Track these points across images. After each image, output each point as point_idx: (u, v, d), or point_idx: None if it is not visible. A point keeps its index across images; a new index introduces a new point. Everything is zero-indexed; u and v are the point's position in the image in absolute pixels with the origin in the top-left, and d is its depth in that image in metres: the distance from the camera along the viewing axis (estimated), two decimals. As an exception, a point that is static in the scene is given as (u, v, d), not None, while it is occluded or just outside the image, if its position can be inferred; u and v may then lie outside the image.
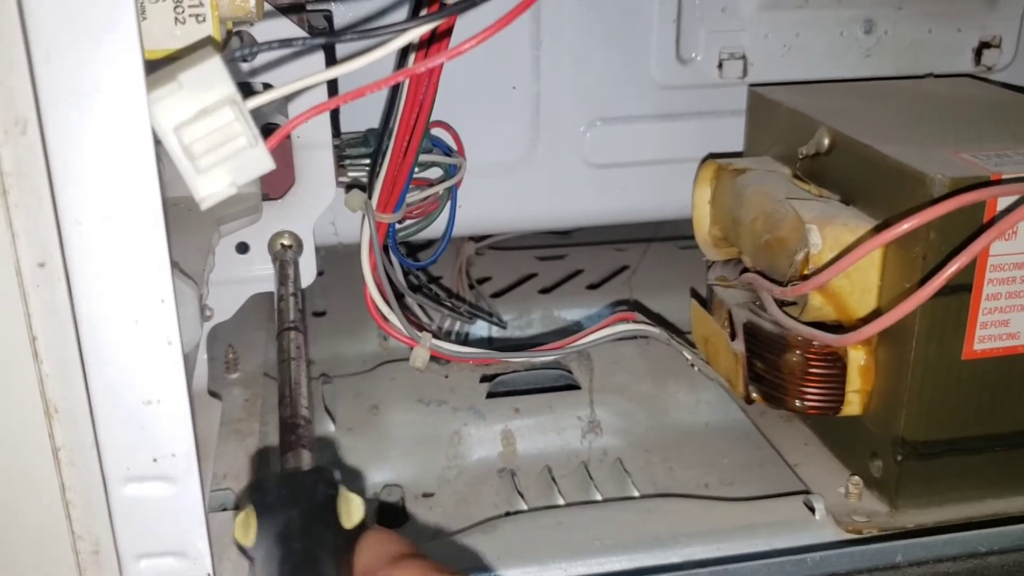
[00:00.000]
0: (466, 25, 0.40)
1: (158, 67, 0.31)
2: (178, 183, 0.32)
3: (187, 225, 0.32)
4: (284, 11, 0.46)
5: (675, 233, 0.74)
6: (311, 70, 0.39)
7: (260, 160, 0.30)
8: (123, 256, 0.29)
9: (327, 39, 0.37)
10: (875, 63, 0.61)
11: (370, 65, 0.32)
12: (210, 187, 0.30)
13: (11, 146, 0.28)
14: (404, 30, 0.32)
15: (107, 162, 0.28)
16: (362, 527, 0.28)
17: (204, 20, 0.34)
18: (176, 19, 0.34)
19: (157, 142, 0.29)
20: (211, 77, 0.30)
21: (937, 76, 0.60)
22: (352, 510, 0.27)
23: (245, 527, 0.27)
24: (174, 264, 0.31)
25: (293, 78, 0.33)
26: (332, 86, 0.46)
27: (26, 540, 0.32)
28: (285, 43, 0.33)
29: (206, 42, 0.32)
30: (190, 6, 0.33)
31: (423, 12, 0.42)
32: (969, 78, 0.59)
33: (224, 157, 0.30)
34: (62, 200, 0.29)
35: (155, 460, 0.32)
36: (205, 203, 0.30)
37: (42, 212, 0.29)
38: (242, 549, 0.27)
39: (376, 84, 0.32)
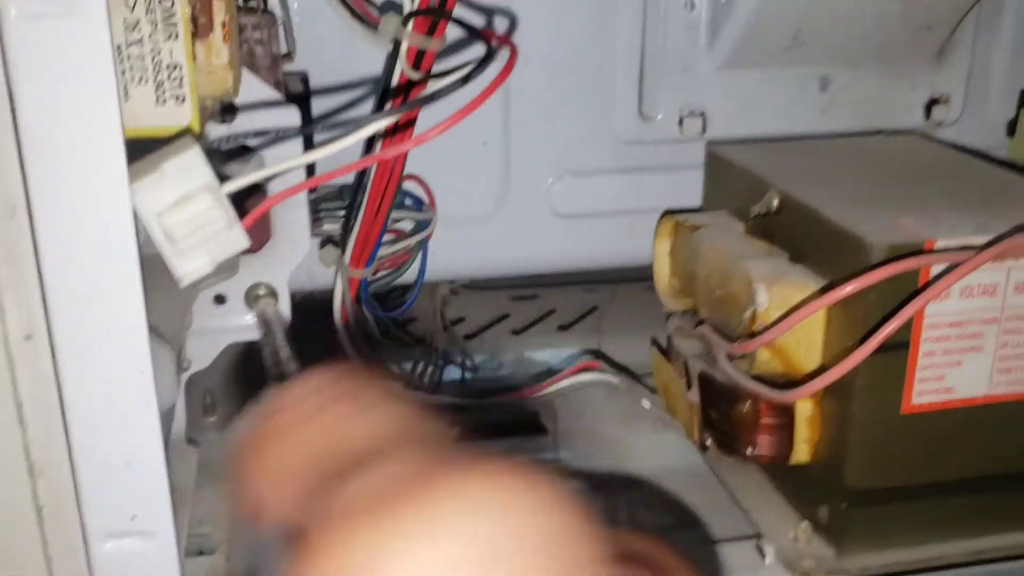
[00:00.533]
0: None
1: (138, 146, 0.34)
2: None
3: (166, 282, 0.34)
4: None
5: (642, 275, 0.76)
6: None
7: (236, 240, 0.33)
8: (105, 331, 0.31)
9: (301, 130, 0.39)
10: (831, 119, 0.64)
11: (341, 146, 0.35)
12: (189, 266, 0.32)
13: (1, 228, 0.30)
14: (372, 121, 0.34)
15: (90, 244, 0.31)
16: None
17: (184, 101, 0.36)
18: (157, 99, 0.36)
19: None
20: (191, 166, 0.32)
21: (888, 133, 0.63)
22: None
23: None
24: (153, 328, 0.33)
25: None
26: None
27: (10, 593, 0.34)
28: (260, 134, 0.35)
29: (185, 134, 0.34)
30: (171, 88, 0.36)
31: (388, 103, 0.44)
32: (917, 136, 0.62)
33: (203, 239, 0.32)
34: (48, 278, 0.31)
35: (133, 517, 0.34)
36: (183, 281, 0.32)
37: (29, 288, 0.31)
38: None
39: (347, 168, 0.34)
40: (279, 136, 0.39)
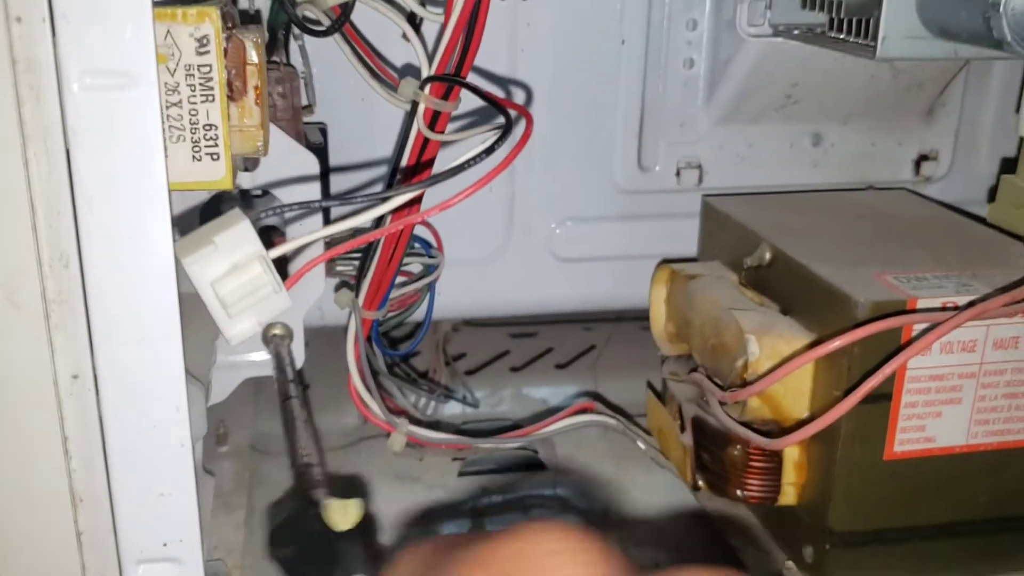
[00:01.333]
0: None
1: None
2: (186, 279, 0.36)
3: (196, 321, 0.37)
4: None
5: (638, 316, 0.79)
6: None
7: (282, 302, 0.36)
8: (145, 371, 0.34)
9: (335, 203, 0.42)
10: (823, 172, 0.67)
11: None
12: (239, 328, 0.35)
13: (55, 278, 0.33)
14: (400, 194, 0.37)
15: (134, 293, 0.33)
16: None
17: (218, 158, 0.39)
18: (194, 156, 0.38)
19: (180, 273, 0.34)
20: (241, 238, 0.35)
21: (877, 188, 0.66)
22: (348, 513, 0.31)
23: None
24: (187, 369, 0.36)
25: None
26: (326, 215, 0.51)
27: (47, 614, 0.37)
28: (304, 205, 0.38)
29: (236, 212, 0.37)
30: (206, 146, 0.38)
31: (405, 159, 0.47)
32: (905, 191, 0.65)
33: (252, 304, 0.35)
34: (95, 323, 0.33)
35: (165, 544, 0.36)
36: (234, 341, 0.35)
37: (77, 332, 0.33)
38: None
39: (363, 239, 0.37)
40: (318, 206, 0.42)
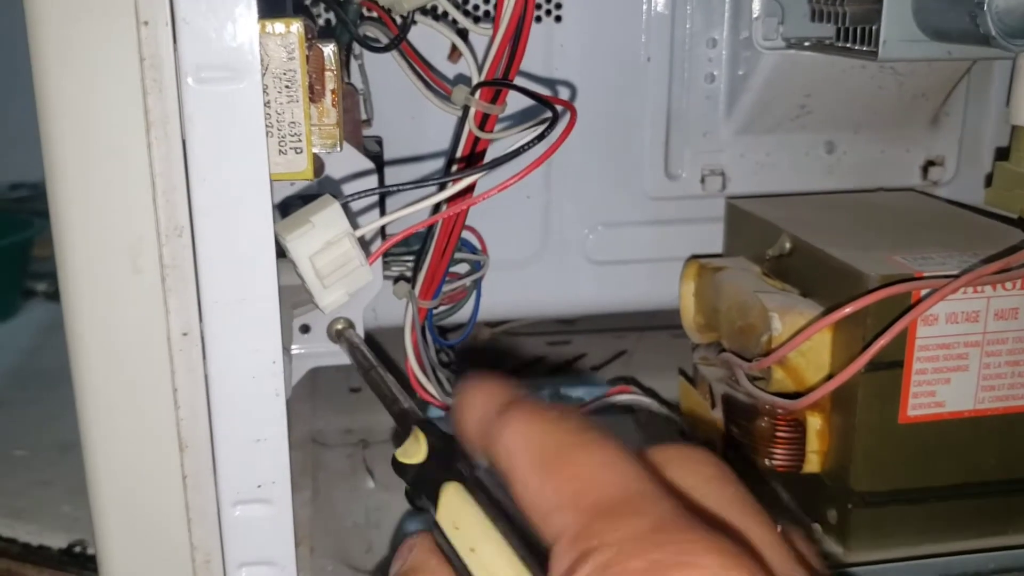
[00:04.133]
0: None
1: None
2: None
3: (283, 307, 0.42)
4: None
5: (667, 323, 0.84)
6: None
7: (366, 274, 0.41)
8: (245, 329, 0.39)
9: (409, 186, 0.48)
10: (836, 178, 0.72)
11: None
12: (331, 297, 0.41)
13: (171, 246, 0.38)
14: (461, 177, 0.43)
15: (239, 260, 0.39)
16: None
17: (301, 152, 0.44)
18: (280, 150, 0.44)
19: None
20: (333, 218, 0.41)
21: (887, 190, 0.71)
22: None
23: (415, 444, 0.32)
24: (276, 335, 0.41)
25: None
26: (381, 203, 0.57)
27: (155, 549, 0.41)
28: (373, 192, 0.44)
29: (327, 197, 0.43)
30: (291, 141, 0.44)
31: (456, 165, 0.53)
32: (914, 192, 0.70)
33: (343, 275, 0.41)
34: (204, 286, 0.39)
35: (259, 486, 0.41)
36: (327, 309, 0.41)
37: (188, 294, 0.39)
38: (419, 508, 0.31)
39: (421, 224, 0.43)
40: (392, 190, 0.48)
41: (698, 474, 0.28)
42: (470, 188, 0.49)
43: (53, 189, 0.37)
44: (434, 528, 0.29)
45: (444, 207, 0.49)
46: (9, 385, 0.88)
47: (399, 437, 0.37)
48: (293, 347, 0.58)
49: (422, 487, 0.31)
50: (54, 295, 1.03)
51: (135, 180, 0.37)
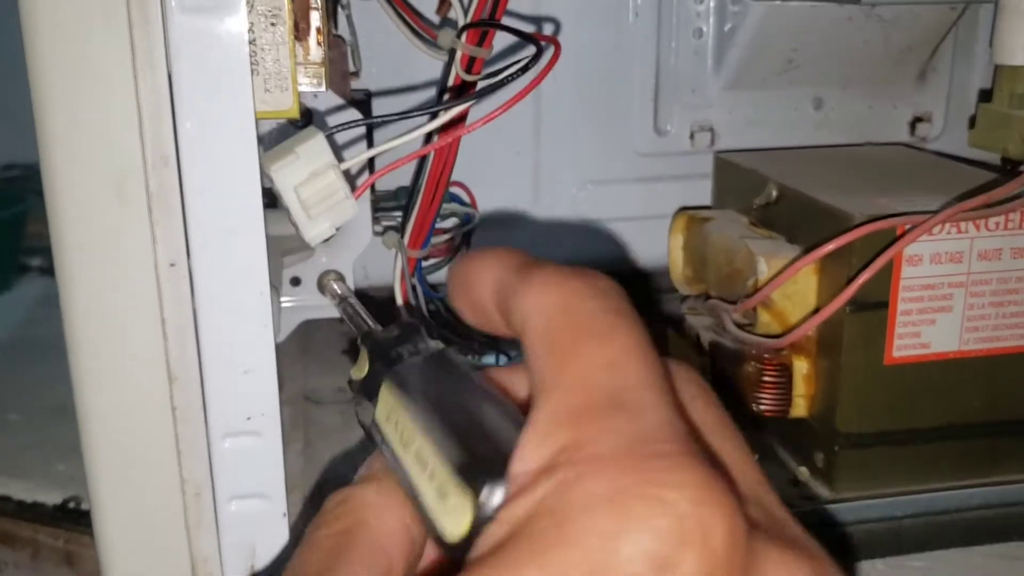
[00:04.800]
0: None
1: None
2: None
3: (270, 250, 0.42)
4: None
5: (658, 286, 0.85)
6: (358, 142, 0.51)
7: (351, 207, 0.42)
8: (232, 260, 0.40)
9: (395, 118, 0.48)
10: (824, 134, 0.72)
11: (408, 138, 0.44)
12: (317, 228, 0.41)
13: (157, 175, 0.38)
14: (438, 112, 0.43)
15: (225, 189, 0.39)
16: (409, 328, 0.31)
17: (286, 90, 0.45)
18: (266, 89, 0.44)
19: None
20: (318, 149, 0.41)
21: (875, 145, 0.71)
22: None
23: (360, 364, 0.31)
24: (263, 272, 0.41)
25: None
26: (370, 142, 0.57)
27: (146, 482, 0.42)
28: (364, 122, 0.44)
29: (312, 128, 0.43)
30: (276, 79, 0.44)
31: (447, 96, 0.53)
32: (903, 146, 0.70)
33: (328, 207, 0.41)
34: (191, 217, 0.39)
35: (248, 418, 0.41)
36: (313, 241, 0.41)
37: (175, 225, 0.39)
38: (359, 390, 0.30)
39: (411, 156, 0.43)
40: (378, 122, 0.48)
41: (681, 392, 0.26)
42: (458, 124, 0.49)
43: (41, 119, 0.37)
44: (374, 430, 0.28)
45: (435, 138, 0.49)
46: (4, 355, 0.89)
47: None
48: (284, 299, 0.58)
49: (366, 397, 0.30)
50: (48, 270, 1.03)
51: (121, 110, 0.37)
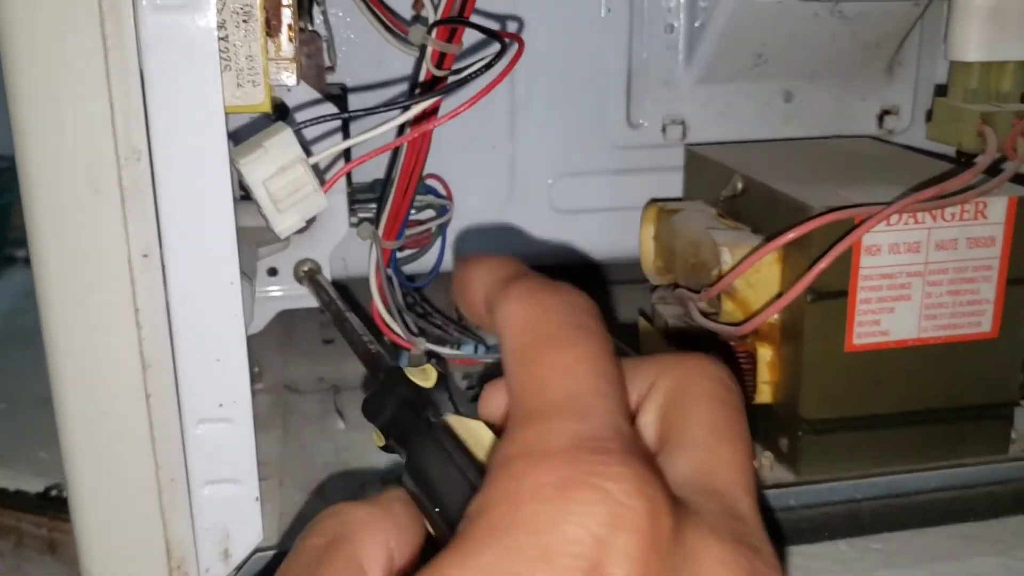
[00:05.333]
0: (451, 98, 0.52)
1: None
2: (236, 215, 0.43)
3: (239, 245, 0.44)
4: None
5: (632, 278, 0.86)
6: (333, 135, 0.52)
7: (320, 200, 0.43)
8: (203, 251, 0.41)
9: (364, 113, 0.49)
10: (794, 127, 0.73)
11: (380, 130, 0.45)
12: (287, 222, 0.42)
13: (129, 169, 0.39)
14: (409, 106, 0.44)
15: (196, 182, 0.40)
16: (441, 380, 0.33)
17: (258, 85, 0.46)
18: (238, 84, 0.45)
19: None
20: (286, 144, 0.42)
21: (844, 137, 0.72)
22: (427, 374, 0.33)
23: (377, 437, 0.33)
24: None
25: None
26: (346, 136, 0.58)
27: (121, 468, 0.43)
28: (336, 116, 0.45)
29: (279, 124, 0.44)
30: (248, 74, 0.45)
31: (418, 91, 0.54)
32: (870, 139, 0.72)
33: (296, 201, 0.42)
34: (163, 208, 0.40)
35: (220, 405, 0.43)
36: (283, 234, 0.42)
37: (147, 217, 0.40)
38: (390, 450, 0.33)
39: (384, 147, 0.44)
40: (347, 116, 0.50)
41: (692, 388, 0.28)
42: (431, 118, 0.50)
43: (15, 113, 0.38)
44: (404, 475, 0.30)
45: (407, 131, 0.50)
46: (-10, 345, 0.90)
47: (368, 380, 0.38)
48: (262, 289, 0.59)
49: (394, 431, 0.32)
50: (34, 261, 1.04)
51: (94, 104, 0.38)
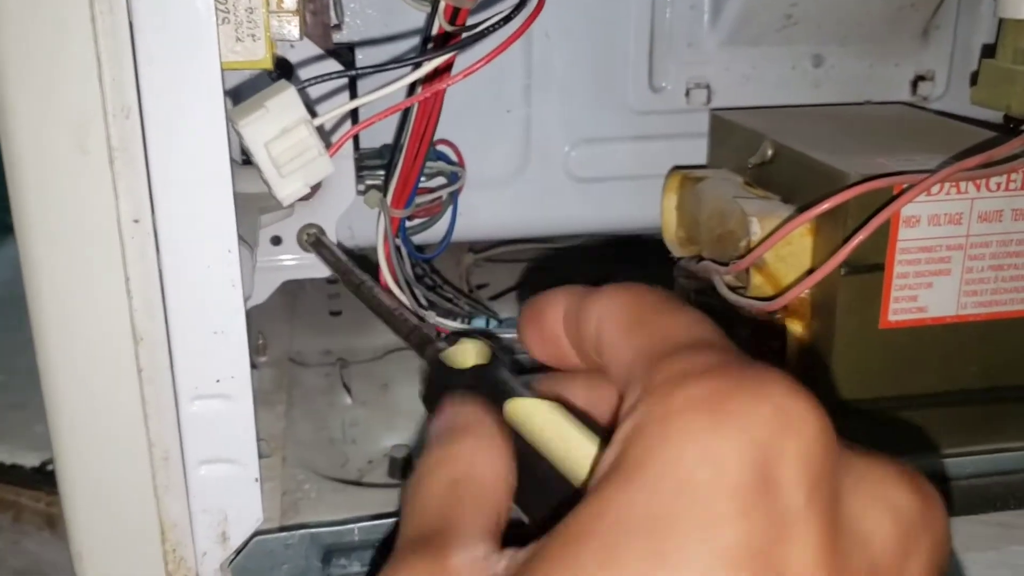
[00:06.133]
0: (464, 57, 0.49)
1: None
2: (235, 180, 0.40)
3: (240, 211, 0.41)
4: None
5: (653, 251, 0.83)
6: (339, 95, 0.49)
7: (325, 165, 0.40)
8: (198, 215, 0.38)
9: (372, 70, 0.46)
10: (823, 93, 0.70)
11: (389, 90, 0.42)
12: (290, 188, 0.39)
13: (118, 127, 0.36)
14: (421, 63, 0.41)
15: (190, 143, 0.37)
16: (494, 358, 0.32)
17: (258, 39, 0.43)
18: (236, 38, 0.42)
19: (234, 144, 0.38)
20: (289, 104, 0.39)
21: (876, 104, 0.69)
22: (476, 351, 0.32)
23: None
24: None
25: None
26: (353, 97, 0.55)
27: (111, 447, 0.40)
28: (342, 74, 0.42)
29: (282, 82, 0.41)
30: (248, 28, 0.42)
31: (430, 47, 0.51)
32: (904, 105, 0.68)
33: (300, 165, 0.39)
34: (154, 170, 0.37)
35: (218, 381, 0.40)
36: (286, 201, 0.39)
37: (138, 179, 0.37)
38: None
39: (394, 108, 0.41)
40: (355, 74, 0.46)
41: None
42: (443, 77, 0.47)
43: (-6, 64, 0.35)
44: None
45: (418, 90, 0.47)
46: (-12, 315, 0.87)
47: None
48: (264, 258, 0.57)
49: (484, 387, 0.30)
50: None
51: (80, 56, 0.35)
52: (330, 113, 0.42)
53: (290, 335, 0.70)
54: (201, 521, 0.42)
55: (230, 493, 0.42)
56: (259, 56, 0.43)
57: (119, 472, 0.41)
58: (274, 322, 0.70)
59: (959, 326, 0.51)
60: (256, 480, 0.42)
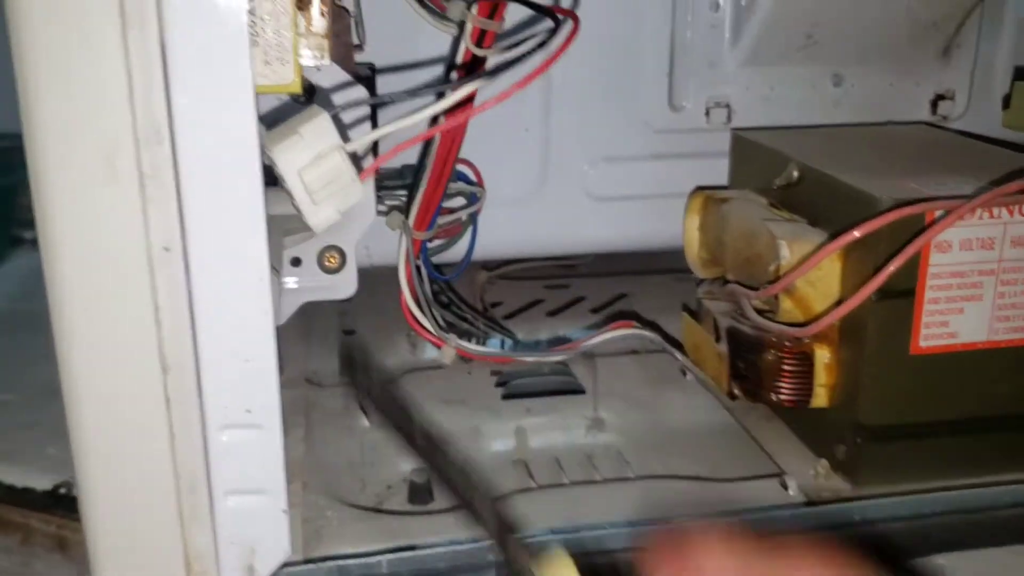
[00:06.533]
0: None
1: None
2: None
3: (269, 223, 0.40)
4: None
5: (669, 266, 0.82)
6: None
7: (357, 191, 0.39)
8: (231, 243, 0.37)
9: (405, 96, 0.45)
10: (843, 112, 0.69)
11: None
12: (322, 214, 0.39)
13: (150, 153, 0.36)
14: (461, 86, 0.41)
15: (222, 171, 0.36)
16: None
17: (287, 63, 0.42)
18: (266, 62, 0.42)
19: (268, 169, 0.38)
20: (322, 130, 0.39)
21: (896, 123, 0.69)
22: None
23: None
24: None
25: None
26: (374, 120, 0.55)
27: (137, 476, 0.40)
28: (375, 102, 0.41)
29: (315, 107, 0.40)
30: (277, 51, 0.42)
31: (455, 74, 0.51)
32: (924, 125, 0.68)
33: (333, 192, 0.39)
34: (186, 197, 0.36)
35: (248, 411, 0.39)
36: (318, 228, 0.39)
37: (170, 206, 0.36)
38: None
39: (418, 138, 0.41)
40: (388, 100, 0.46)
41: None
42: (468, 103, 0.46)
43: (24, 87, 0.35)
44: None
45: (442, 120, 0.46)
46: (-2, 330, 0.86)
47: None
48: (284, 280, 0.56)
49: None
50: (42, 243, 1.01)
51: (111, 79, 0.35)
52: (362, 139, 0.41)
53: (306, 356, 0.69)
54: (227, 552, 0.41)
55: (258, 525, 0.41)
56: (288, 80, 0.42)
57: (144, 501, 0.40)
58: (290, 343, 0.69)
59: (991, 352, 0.50)
60: (284, 512, 0.41)
